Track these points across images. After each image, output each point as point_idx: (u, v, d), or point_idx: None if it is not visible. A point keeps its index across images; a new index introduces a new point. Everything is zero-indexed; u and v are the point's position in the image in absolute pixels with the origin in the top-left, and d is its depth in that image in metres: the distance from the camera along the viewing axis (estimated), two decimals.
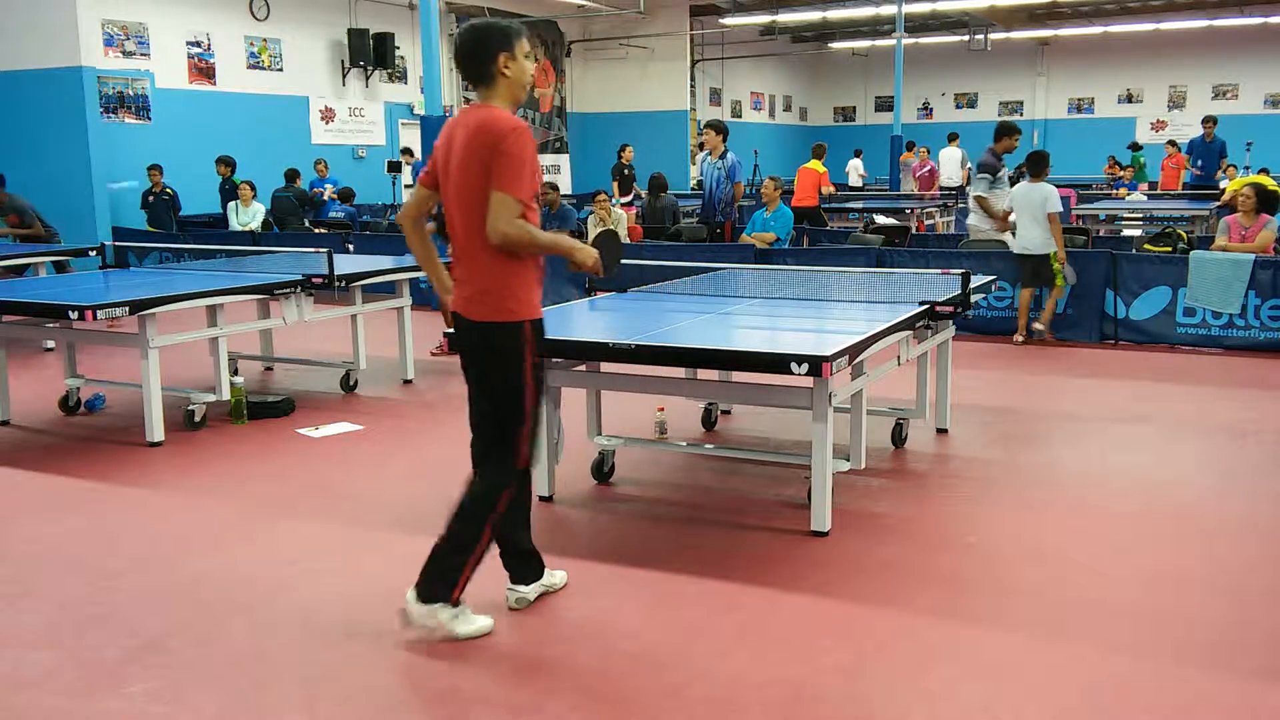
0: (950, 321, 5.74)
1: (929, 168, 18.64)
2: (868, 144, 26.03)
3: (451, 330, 3.74)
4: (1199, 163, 16.51)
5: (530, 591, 3.89)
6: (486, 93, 3.60)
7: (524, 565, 3.89)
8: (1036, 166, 8.99)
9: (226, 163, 13.66)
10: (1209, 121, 16.34)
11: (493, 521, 3.61)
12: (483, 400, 3.67)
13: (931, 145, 19.56)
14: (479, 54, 3.58)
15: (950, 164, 19.25)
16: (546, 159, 22.18)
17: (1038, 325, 8.96)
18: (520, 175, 3.43)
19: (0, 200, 10.03)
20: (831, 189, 14.73)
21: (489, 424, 3.66)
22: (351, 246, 10.89)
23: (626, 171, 15.99)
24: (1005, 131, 9.66)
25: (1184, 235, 10.04)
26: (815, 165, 14.06)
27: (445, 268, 3.87)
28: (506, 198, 3.41)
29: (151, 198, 13.39)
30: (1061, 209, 8.82)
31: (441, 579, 3.57)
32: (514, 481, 3.66)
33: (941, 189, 18.49)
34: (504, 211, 3.42)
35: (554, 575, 4.01)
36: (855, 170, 22.58)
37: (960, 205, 16.75)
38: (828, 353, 4.10)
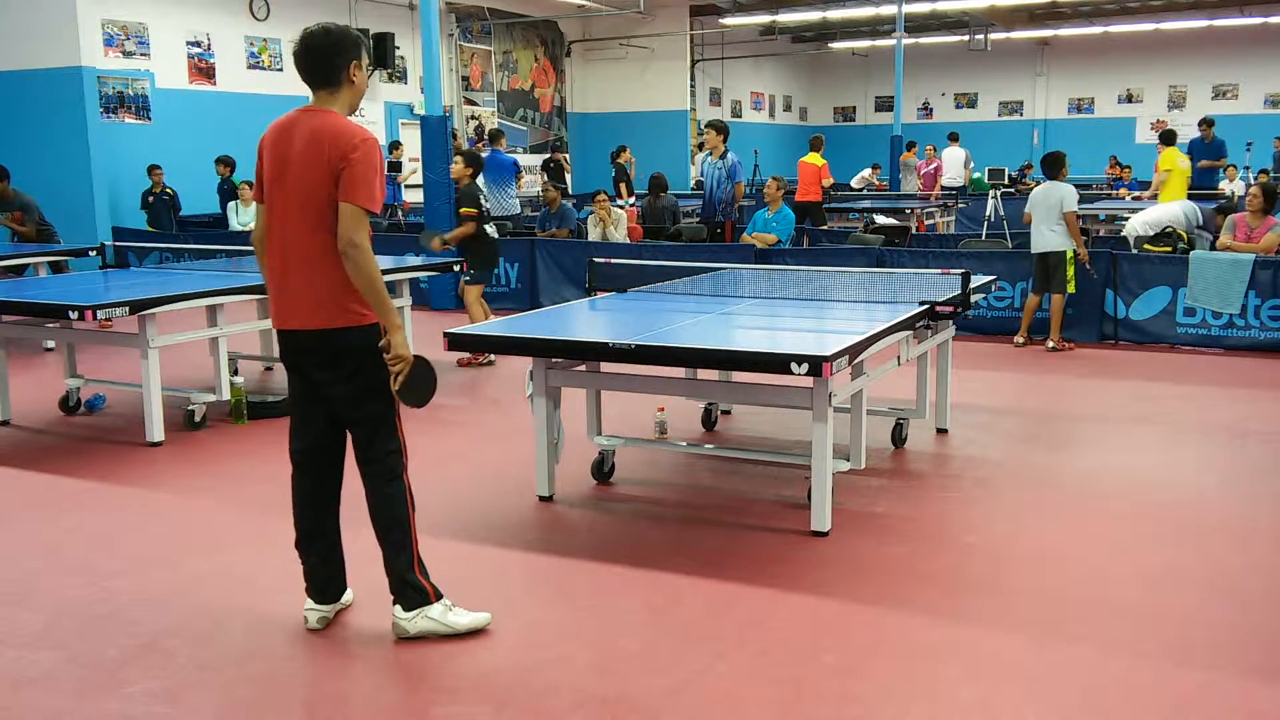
0: (950, 321, 5.74)
1: (935, 165, 18.57)
2: (868, 144, 26.02)
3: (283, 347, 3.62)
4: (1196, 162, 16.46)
5: (331, 611, 3.77)
6: (328, 97, 3.54)
7: (338, 578, 3.79)
8: (1053, 167, 8.92)
9: (226, 163, 13.67)
10: (1206, 124, 16.29)
11: (408, 500, 3.63)
12: (344, 407, 3.59)
13: (932, 145, 19.53)
14: (333, 57, 3.51)
15: (954, 164, 19.17)
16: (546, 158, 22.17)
17: (1050, 343, 8.80)
18: (372, 186, 3.42)
19: (8, 196, 10.06)
20: (831, 180, 14.68)
21: (361, 424, 3.61)
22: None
23: (627, 173, 16.04)
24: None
25: (1184, 235, 10.03)
26: (814, 159, 13.95)
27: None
28: (358, 210, 3.38)
29: (152, 198, 13.38)
30: (1076, 208, 8.72)
31: (406, 583, 3.59)
32: (406, 457, 3.65)
33: (943, 189, 18.44)
34: (358, 223, 3.38)
35: (348, 594, 3.86)
36: (864, 178, 22.39)
37: (960, 205, 16.73)
38: (828, 353, 4.10)
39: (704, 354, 4.59)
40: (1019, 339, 8.99)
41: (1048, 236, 8.72)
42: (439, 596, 3.62)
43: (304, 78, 3.56)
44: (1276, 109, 26.23)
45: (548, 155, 17.63)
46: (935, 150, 18.91)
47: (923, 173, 18.77)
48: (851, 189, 21.23)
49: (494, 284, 11.27)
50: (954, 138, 20.13)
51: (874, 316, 5.09)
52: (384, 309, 3.46)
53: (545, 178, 16.70)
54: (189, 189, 13.99)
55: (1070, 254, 8.66)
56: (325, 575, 3.76)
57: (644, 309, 5.64)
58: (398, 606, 3.60)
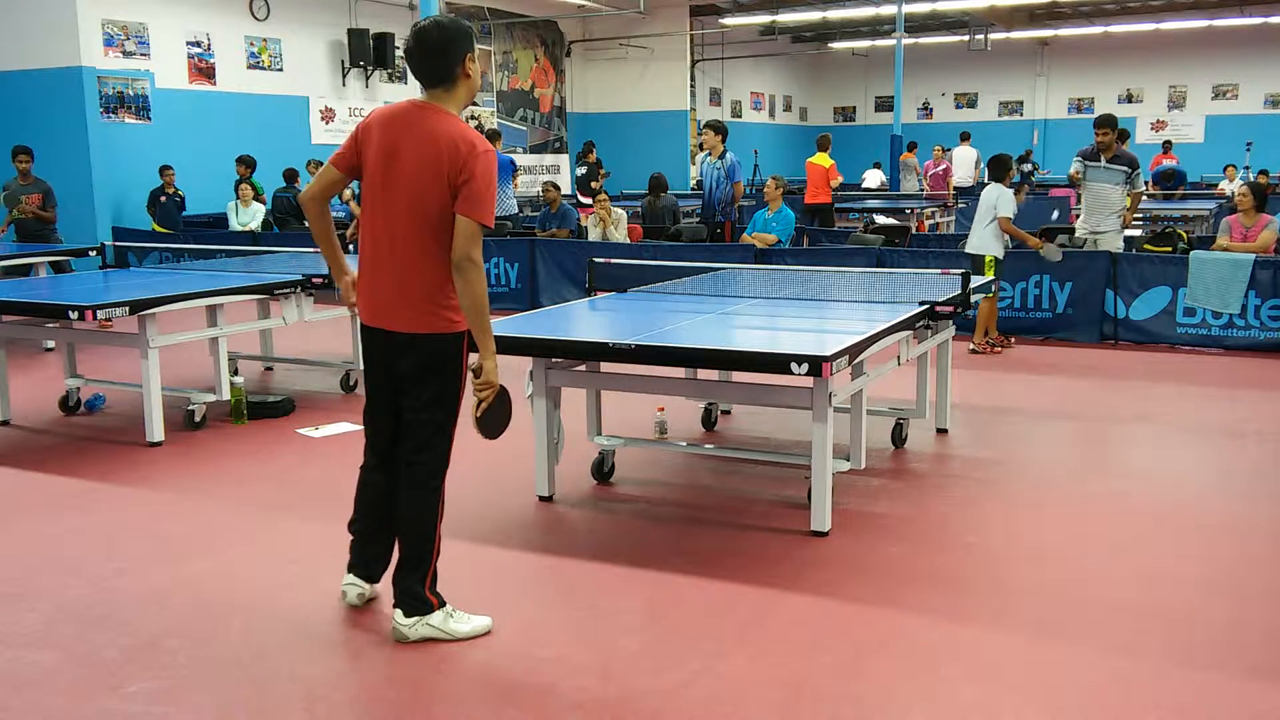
0: (950, 321, 5.74)
1: (944, 167, 18.36)
2: (868, 144, 25.99)
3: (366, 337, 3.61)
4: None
5: (370, 591, 3.83)
6: (444, 95, 3.50)
7: (385, 560, 3.81)
8: (997, 170, 8.78)
9: (247, 163, 13.63)
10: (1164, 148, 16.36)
11: (439, 510, 3.61)
12: (412, 406, 3.56)
13: (940, 146, 19.29)
14: (447, 52, 3.46)
15: (964, 164, 18.87)
16: (546, 159, 22.17)
17: (971, 345, 8.63)
18: (489, 201, 3.39)
19: (29, 177, 10.09)
20: (840, 180, 14.54)
21: (420, 426, 3.57)
22: (352, 246, 10.88)
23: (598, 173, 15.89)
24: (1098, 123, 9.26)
25: (1184, 235, 10.03)
26: (821, 159, 13.81)
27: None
28: (476, 225, 3.36)
29: (164, 198, 13.36)
30: (1010, 214, 8.45)
31: (413, 591, 3.58)
32: (447, 466, 3.64)
33: (953, 189, 18.22)
34: (475, 239, 3.36)
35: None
36: (874, 178, 22.31)
37: (961, 205, 16.65)
38: (828, 353, 4.11)
39: (704, 354, 4.59)
40: (971, 345, 8.70)
41: (973, 238, 8.65)
42: (442, 605, 3.61)
43: (417, 76, 3.52)
44: (1276, 109, 26.22)
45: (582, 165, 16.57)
46: (944, 151, 18.58)
47: (930, 174, 18.50)
48: (859, 189, 21.11)
49: (494, 284, 11.28)
50: (965, 137, 19.74)
51: (874, 316, 5.09)
52: (483, 332, 3.44)
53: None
54: (189, 189, 13.98)
55: (990, 259, 8.44)
56: (373, 555, 3.79)
57: (644, 309, 5.64)
58: (398, 611, 3.59)
